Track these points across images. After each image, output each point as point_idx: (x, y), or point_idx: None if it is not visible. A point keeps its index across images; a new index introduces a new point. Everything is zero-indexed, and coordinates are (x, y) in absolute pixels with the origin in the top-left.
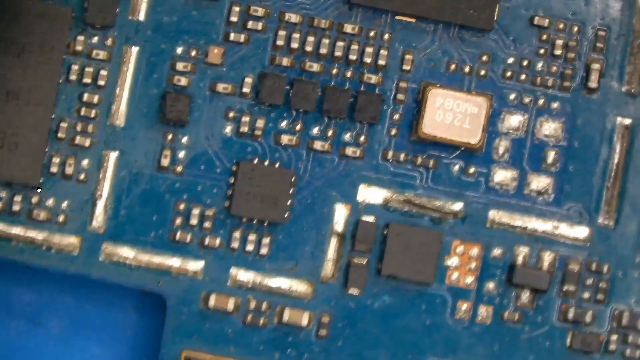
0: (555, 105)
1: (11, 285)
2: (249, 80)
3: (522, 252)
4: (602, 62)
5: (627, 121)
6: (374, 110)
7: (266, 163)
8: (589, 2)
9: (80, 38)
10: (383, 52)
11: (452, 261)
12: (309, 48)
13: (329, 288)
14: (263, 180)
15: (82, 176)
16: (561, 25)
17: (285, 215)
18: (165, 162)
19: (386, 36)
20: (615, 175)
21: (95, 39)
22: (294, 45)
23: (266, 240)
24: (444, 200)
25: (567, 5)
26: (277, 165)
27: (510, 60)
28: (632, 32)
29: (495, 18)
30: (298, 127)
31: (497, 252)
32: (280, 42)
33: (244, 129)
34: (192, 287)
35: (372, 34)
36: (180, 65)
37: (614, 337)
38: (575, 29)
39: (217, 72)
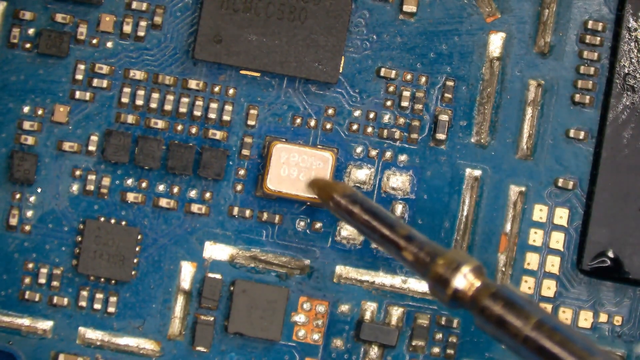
0: (402, 157)
1: None
2: (94, 138)
3: (370, 307)
4: (451, 112)
5: (477, 172)
6: (218, 167)
7: (112, 221)
8: (437, 52)
9: None
10: (228, 107)
11: (299, 318)
12: (153, 105)
13: (177, 346)
14: (109, 238)
15: None
16: (408, 77)
17: (132, 274)
18: (13, 221)
19: (231, 91)
20: (464, 228)
21: None
22: (139, 102)
23: (113, 299)
24: (290, 256)
25: (415, 55)
26: (123, 223)
27: (357, 113)
28: (481, 81)
29: (341, 70)
30: (144, 185)
31: (344, 307)
32: (125, 100)
33: (90, 187)
34: (41, 346)
35: (216, 89)
36: (27, 124)
37: None
38: (423, 79)
39: (63, 130)
